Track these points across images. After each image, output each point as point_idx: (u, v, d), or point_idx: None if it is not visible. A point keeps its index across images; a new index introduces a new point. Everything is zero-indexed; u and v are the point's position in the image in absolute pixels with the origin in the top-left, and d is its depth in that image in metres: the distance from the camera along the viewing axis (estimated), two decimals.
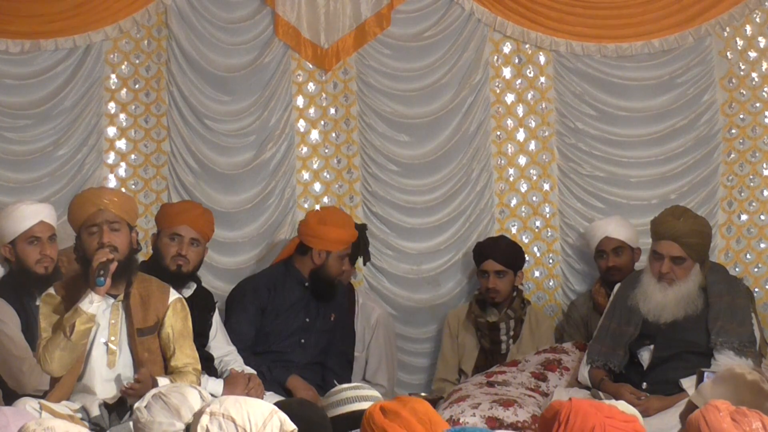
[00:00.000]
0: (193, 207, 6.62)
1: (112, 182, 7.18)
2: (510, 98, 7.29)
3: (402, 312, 7.29)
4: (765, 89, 7.17)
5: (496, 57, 7.28)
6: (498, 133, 7.29)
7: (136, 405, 4.06)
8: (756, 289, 7.04)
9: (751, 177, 7.17)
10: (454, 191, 7.28)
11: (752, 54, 7.17)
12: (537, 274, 7.28)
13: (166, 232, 6.42)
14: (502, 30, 7.24)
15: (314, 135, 7.32)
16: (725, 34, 7.15)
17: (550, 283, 7.28)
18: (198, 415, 3.39)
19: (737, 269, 7.08)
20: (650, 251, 6.18)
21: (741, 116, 7.17)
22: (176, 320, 5.52)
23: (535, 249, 7.29)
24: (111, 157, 7.23)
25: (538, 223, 7.30)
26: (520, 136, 7.30)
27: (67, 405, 5.28)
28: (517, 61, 7.28)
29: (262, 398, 5.52)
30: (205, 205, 6.84)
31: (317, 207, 7.14)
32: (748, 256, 7.17)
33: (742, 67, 7.17)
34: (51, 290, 5.44)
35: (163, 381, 5.27)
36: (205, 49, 7.22)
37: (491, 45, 7.28)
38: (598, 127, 7.24)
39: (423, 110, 7.27)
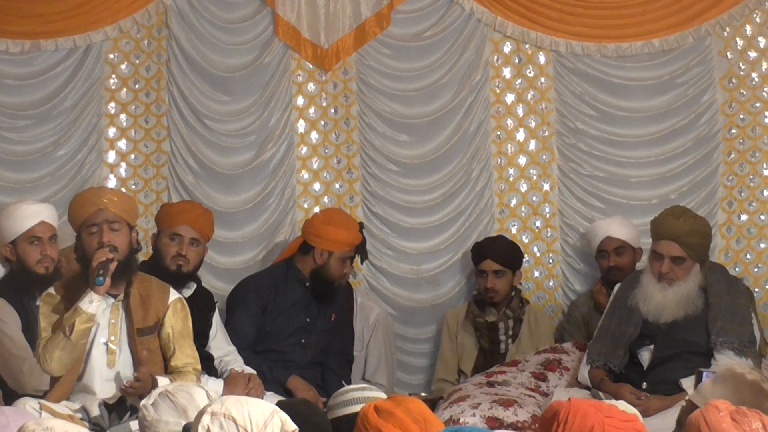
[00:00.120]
0: (193, 207, 6.62)
1: (112, 182, 7.18)
2: (510, 98, 7.29)
3: (402, 312, 7.29)
4: (765, 89, 7.17)
5: (496, 57, 7.28)
6: (498, 133, 7.29)
7: (142, 402, 4.06)
8: (756, 289, 7.04)
9: (751, 177, 7.18)
10: (454, 191, 7.28)
11: (752, 54, 7.17)
12: (537, 274, 7.28)
13: (166, 232, 6.42)
14: (502, 30, 7.24)
15: (314, 135, 7.32)
16: (725, 34, 7.15)
17: (550, 283, 7.28)
18: (199, 415, 3.39)
19: (737, 269, 7.08)
20: (650, 251, 6.18)
21: (741, 116, 7.17)
22: (176, 320, 5.52)
23: (535, 249, 7.29)
24: (111, 157, 7.23)
25: (538, 223, 7.30)
26: (520, 136, 7.30)
27: (67, 405, 5.28)
28: (517, 61, 7.28)
29: (263, 398, 5.52)
30: (205, 205, 6.84)
31: (316, 209, 7.15)
32: (748, 256, 7.17)
33: (742, 67, 7.17)
34: (51, 290, 5.44)
35: (162, 380, 5.27)
36: (205, 49, 7.22)
37: (491, 45, 7.28)
38: (598, 127, 7.24)
39: (423, 110, 7.27)
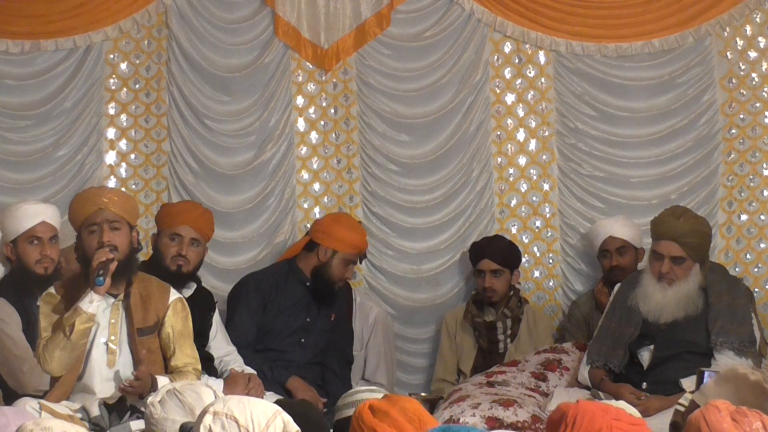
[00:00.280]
0: (193, 207, 6.62)
1: (112, 182, 7.18)
2: (510, 98, 7.29)
3: (401, 312, 7.29)
4: (765, 89, 7.17)
5: (496, 57, 7.28)
6: (498, 133, 7.29)
7: (150, 400, 4.07)
8: (756, 289, 7.04)
9: (751, 177, 7.18)
10: (454, 191, 7.28)
11: (752, 54, 7.17)
12: (537, 274, 7.28)
13: (166, 232, 6.42)
14: (502, 30, 7.24)
15: (314, 135, 7.32)
16: (725, 34, 7.15)
17: (550, 283, 7.28)
18: (201, 415, 3.38)
19: (737, 269, 7.08)
20: (650, 251, 6.18)
21: (741, 116, 7.17)
22: (176, 320, 5.52)
23: (535, 249, 7.29)
24: (111, 157, 7.23)
25: (538, 223, 7.30)
26: (520, 136, 7.30)
27: (67, 405, 5.28)
28: (517, 61, 7.28)
29: (263, 398, 5.52)
30: (205, 205, 6.84)
31: (316, 210, 7.15)
32: (748, 256, 7.17)
33: (742, 67, 7.17)
34: (51, 289, 5.44)
35: (162, 380, 5.27)
36: (205, 50, 7.22)
37: (491, 45, 7.28)
38: (598, 127, 7.24)
39: (423, 110, 7.28)
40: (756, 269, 7.15)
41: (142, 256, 6.26)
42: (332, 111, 7.31)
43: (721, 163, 7.19)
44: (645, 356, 6.10)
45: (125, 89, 7.24)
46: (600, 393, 6.01)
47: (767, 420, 3.43)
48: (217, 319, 6.48)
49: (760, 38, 7.16)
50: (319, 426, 4.10)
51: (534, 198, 7.30)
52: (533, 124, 7.28)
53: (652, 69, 7.20)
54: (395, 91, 7.28)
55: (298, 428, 3.39)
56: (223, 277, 7.14)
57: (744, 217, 7.18)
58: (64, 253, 6.10)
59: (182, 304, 5.59)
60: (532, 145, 7.29)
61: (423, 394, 6.58)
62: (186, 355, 5.53)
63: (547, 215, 7.30)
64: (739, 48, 7.16)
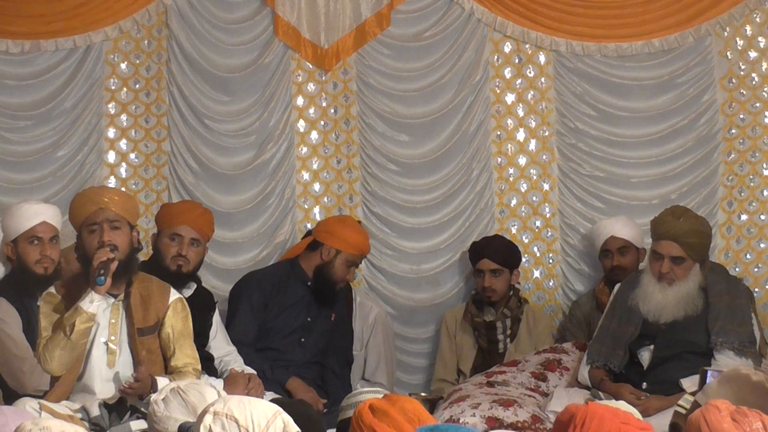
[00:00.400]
0: (193, 207, 6.62)
1: (112, 182, 7.18)
2: (510, 98, 7.29)
3: (401, 312, 7.29)
4: (765, 89, 7.17)
5: (496, 57, 7.28)
6: (498, 133, 7.29)
7: (153, 397, 4.07)
8: (756, 289, 7.03)
9: (751, 177, 7.18)
10: (454, 191, 7.28)
11: (752, 54, 7.17)
12: (537, 274, 7.28)
13: (167, 232, 6.42)
14: (502, 30, 7.24)
15: (314, 135, 7.32)
16: (725, 34, 7.15)
17: (550, 283, 7.28)
18: (201, 415, 3.38)
19: (737, 269, 7.08)
20: (650, 251, 6.19)
21: (741, 116, 7.17)
22: (176, 320, 5.52)
23: (535, 249, 7.29)
24: (111, 157, 7.24)
25: (538, 223, 7.30)
26: (520, 136, 7.30)
27: (67, 405, 5.28)
28: (517, 61, 7.28)
29: (263, 398, 5.52)
30: (205, 205, 6.84)
31: (316, 210, 7.15)
32: (748, 256, 7.17)
33: (742, 67, 7.17)
34: (51, 289, 5.44)
35: (162, 381, 5.27)
36: (206, 50, 7.22)
37: (491, 45, 7.28)
38: (598, 127, 7.24)
39: (423, 110, 7.28)
40: (756, 269, 7.15)
41: (142, 256, 6.25)
42: (332, 111, 7.31)
43: (721, 163, 7.19)
44: (645, 356, 6.10)
45: (125, 89, 7.24)
46: (600, 393, 6.01)
47: (767, 420, 3.43)
48: (217, 319, 6.48)
49: (760, 38, 7.16)
50: (316, 426, 4.10)
51: (534, 198, 7.30)
52: (533, 124, 7.28)
53: (653, 69, 7.20)
54: (395, 91, 7.28)
55: (298, 429, 3.38)
56: (223, 277, 7.14)
57: (744, 217, 7.18)
58: (64, 254, 6.09)
59: (182, 304, 5.59)
60: (532, 145, 7.29)
61: (423, 394, 6.58)
62: (186, 355, 5.53)
63: (547, 215, 7.30)
64: (739, 48, 7.16)
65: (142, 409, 5.20)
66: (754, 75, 7.17)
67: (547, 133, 7.29)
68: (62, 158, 7.16)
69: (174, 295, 5.58)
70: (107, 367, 5.39)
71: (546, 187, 7.29)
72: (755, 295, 6.89)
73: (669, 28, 7.14)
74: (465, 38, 7.25)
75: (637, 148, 7.23)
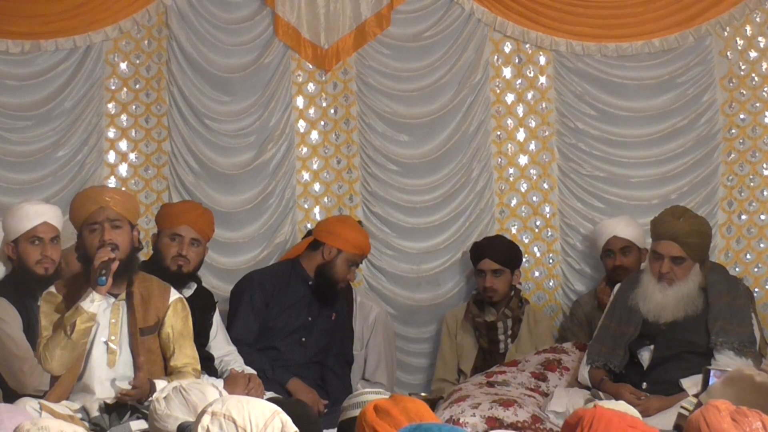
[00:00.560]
0: (193, 207, 6.62)
1: (112, 182, 7.18)
2: (510, 98, 7.29)
3: (402, 312, 7.29)
4: (765, 89, 7.17)
5: (496, 57, 7.28)
6: (498, 132, 7.29)
7: (155, 395, 4.07)
8: (756, 289, 7.04)
9: (751, 177, 7.18)
10: (454, 191, 7.28)
11: (752, 54, 7.17)
12: (537, 274, 7.28)
13: (167, 232, 6.43)
14: (502, 30, 7.24)
15: (314, 135, 7.32)
16: (725, 33, 7.15)
17: (550, 283, 7.28)
18: (200, 415, 3.39)
19: (737, 269, 7.08)
20: (650, 251, 6.19)
21: (741, 116, 7.17)
22: (176, 320, 5.52)
23: (535, 249, 7.29)
24: (111, 158, 7.24)
25: (538, 223, 7.30)
26: (520, 136, 7.30)
27: (68, 405, 5.27)
28: (517, 60, 7.28)
29: (263, 398, 5.52)
30: (205, 205, 6.84)
31: (316, 210, 7.15)
32: (748, 256, 7.17)
33: (743, 67, 7.17)
34: (52, 288, 5.44)
35: (161, 383, 5.26)
36: (206, 50, 7.23)
37: (491, 45, 7.28)
38: (599, 127, 7.24)
39: (423, 110, 7.28)
40: (756, 269, 7.15)
41: (142, 255, 6.25)
42: (332, 111, 7.31)
43: (721, 163, 7.20)
44: (645, 356, 6.10)
45: (125, 89, 7.24)
46: (600, 393, 6.01)
47: (767, 420, 3.43)
48: (217, 319, 6.49)
49: (760, 38, 7.16)
50: (315, 426, 4.10)
51: (534, 198, 7.30)
52: (533, 124, 7.29)
53: (653, 69, 7.21)
54: (395, 91, 7.28)
55: (296, 429, 3.38)
56: (223, 277, 7.14)
57: (744, 217, 7.18)
58: (64, 255, 6.10)
59: (182, 304, 5.58)
60: (532, 145, 7.30)
61: (423, 394, 6.58)
62: (185, 355, 5.52)
63: (547, 215, 7.30)
64: (740, 48, 7.16)
65: (143, 410, 5.21)
66: (754, 75, 7.17)
67: (547, 133, 7.29)
68: (62, 158, 7.16)
69: (174, 295, 5.57)
70: (107, 367, 5.38)
71: (546, 187, 7.29)
72: (755, 295, 6.90)
73: (669, 28, 7.14)
74: (465, 38, 7.25)
75: (637, 147, 7.23)
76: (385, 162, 7.29)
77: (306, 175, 7.33)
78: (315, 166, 7.33)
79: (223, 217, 7.09)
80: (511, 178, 7.30)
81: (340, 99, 7.30)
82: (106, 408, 5.28)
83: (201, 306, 6.30)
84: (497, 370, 6.52)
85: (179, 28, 7.20)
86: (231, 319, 6.64)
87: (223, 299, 6.81)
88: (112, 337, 5.39)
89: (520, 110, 7.29)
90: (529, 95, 7.28)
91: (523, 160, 7.30)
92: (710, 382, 4.75)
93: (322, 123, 7.31)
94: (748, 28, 7.15)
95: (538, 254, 7.29)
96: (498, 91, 7.29)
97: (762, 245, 7.17)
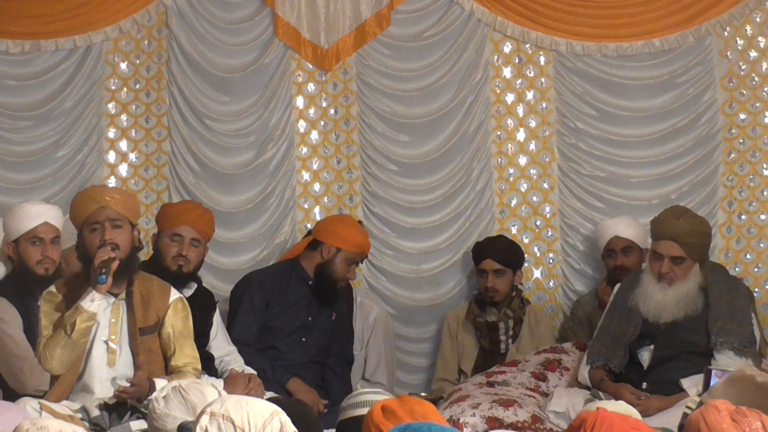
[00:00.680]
0: (193, 207, 6.62)
1: (112, 182, 7.18)
2: (510, 98, 7.29)
3: (402, 312, 7.29)
4: (765, 89, 7.17)
5: (496, 57, 7.28)
6: (498, 133, 7.29)
7: (154, 395, 4.07)
8: (756, 289, 7.04)
9: (751, 177, 7.18)
10: (454, 191, 7.28)
11: (753, 54, 7.17)
12: (537, 274, 7.28)
13: (167, 232, 6.43)
14: (502, 30, 7.24)
15: (314, 135, 7.32)
16: (725, 33, 7.15)
17: (551, 283, 7.28)
18: (199, 415, 3.39)
19: (737, 269, 7.08)
20: (650, 251, 6.19)
21: (741, 116, 7.17)
22: (177, 320, 5.52)
23: (536, 249, 7.29)
24: (112, 158, 7.24)
25: (538, 223, 7.30)
26: (521, 136, 7.30)
27: (68, 405, 5.28)
28: (517, 60, 7.28)
29: (263, 398, 5.52)
30: (205, 205, 6.84)
31: (316, 210, 7.15)
32: (748, 256, 7.17)
33: (743, 66, 7.17)
34: (52, 288, 5.44)
35: (160, 382, 5.26)
36: (206, 50, 7.23)
37: (491, 45, 7.28)
38: (599, 126, 7.24)
39: (423, 110, 7.28)
40: (756, 269, 7.15)
41: (142, 255, 6.25)
42: (332, 111, 7.31)
43: (721, 163, 7.20)
44: (645, 356, 6.10)
45: (125, 89, 7.24)
46: (600, 393, 6.01)
47: (767, 420, 3.43)
48: (217, 319, 6.49)
49: (760, 38, 7.16)
50: (315, 427, 4.10)
51: (534, 198, 7.30)
52: (533, 124, 7.29)
53: (653, 69, 7.21)
54: (395, 91, 7.28)
55: (296, 430, 3.38)
56: (223, 278, 7.14)
57: (744, 217, 7.18)
58: (65, 255, 6.10)
59: (183, 304, 5.58)
60: (533, 145, 7.30)
61: (423, 394, 6.57)
62: (186, 355, 5.53)
63: (548, 215, 7.30)
64: (740, 48, 7.16)
65: (142, 410, 5.21)
66: (754, 75, 7.17)
67: (547, 133, 7.29)
68: (62, 158, 7.16)
69: (174, 294, 5.57)
70: (107, 367, 5.39)
71: (546, 187, 7.29)
72: (755, 295, 6.89)
73: (669, 28, 7.14)
74: (465, 38, 7.25)
75: (637, 147, 7.23)
76: (385, 162, 7.29)
77: (306, 175, 7.33)
78: (315, 166, 7.33)
79: (223, 217, 7.09)
80: (511, 178, 7.30)
81: (340, 99, 7.31)
82: (106, 408, 5.28)
83: (201, 306, 6.30)
84: (497, 370, 6.52)
85: (179, 28, 7.21)
86: (231, 320, 6.65)
87: (223, 299, 6.81)
88: (112, 337, 5.39)
89: (520, 110, 7.29)
90: (529, 95, 7.28)
91: (523, 160, 7.30)
92: (712, 382, 4.74)
93: (322, 123, 7.31)
94: (748, 28, 7.15)
95: (538, 254, 7.30)
96: (498, 91, 7.29)
97: (762, 245, 7.17)
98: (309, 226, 7.20)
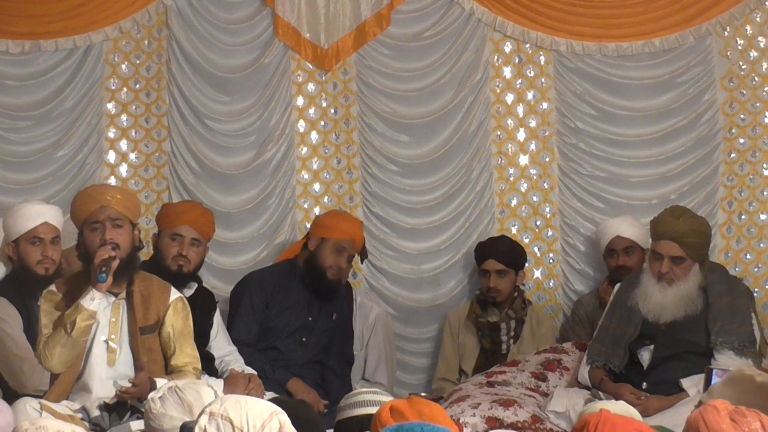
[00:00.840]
0: (194, 207, 6.63)
1: (112, 182, 7.18)
2: (510, 98, 7.29)
3: (402, 312, 7.29)
4: (765, 89, 7.17)
5: (496, 57, 7.28)
6: (498, 132, 7.29)
7: (150, 395, 4.07)
8: (756, 289, 7.03)
9: (751, 177, 7.18)
10: (454, 191, 7.28)
11: (753, 54, 7.17)
12: (537, 274, 7.28)
13: (167, 232, 6.43)
14: (503, 30, 7.24)
15: (314, 135, 7.32)
16: (726, 33, 7.15)
17: (551, 283, 7.28)
18: (199, 415, 3.39)
19: (737, 269, 7.08)
20: (650, 251, 6.19)
21: (741, 116, 7.17)
22: (177, 319, 5.52)
23: (536, 249, 7.29)
24: (112, 158, 7.24)
25: (538, 223, 7.30)
26: (521, 135, 7.30)
27: (68, 405, 5.28)
28: (517, 60, 7.28)
29: (263, 398, 5.52)
30: (205, 205, 6.85)
31: (316, 210, 7.16)
32: (748, 256, 7.17)
33: (743, 66, 7.17)
34: (52, 287, 5.44)
35: (161, 382, 5.26)
36: (206, 50, 7.23)
37: (491, 45, 7.28)
38: (599, 126, 7.24)
39: (423, 110, 7.28)
40: (756, 269, 7.15)
41: (143, 255, 6.25)
42: (332, 111, 7.31)
43: (721, 162, 7.19)
44: (645, 356, 6.10)
45: (125, 89, 7.24)
46: (600, 393, 6.01)
47: (766, 420, 3.43)
48: (217, 319, 6.49)
49: (760, 38, 7.16)
50: (317, 427, 4.09)
51: (534, 198, 7.30)
52: (533, 124, 7.29)
53: (653, 68, 7.21)
54: (395, 91, 7.28)
55: (295, 431, 3.38)
56: (223, 278, 7.14)
57: (744, 217, 7.18)
58: (65, 255, 6.10)
59: (183, 304, 5.58)
60: (533, 144, 7.30)
61: (423, 394, 6.56)
62: (186, 354, 5.53)
63: (548, 215, 7.30)
64: (740, 48, 7.16)
65: (142, 410, 5.20)
66: (754, 75, 7.17)
67: (547, 133, 7.29)
68: (62, 158, 7.16)
69: (174, 294, 5.57)
70: (107, 366, 5.39)
71: (546, 187, 7.29)
72: (755, 295, 6.89)
73: (669, 27, 7.14)
74: (465, 38, 7.25)
75: (637, 147, 7.23)
76: (385, 162, 7.29)
77: (306, 175, 7.33)
78: (315, 166, 7.33)
79: (223, 217, 7.09)
80: (511, 178, 7.30)
81: (340, 99, 7.31)
82: (106, 408, 5.28)
83: (201, 306, 6.30)
84: (497, 370, 6.52)
85: (179, 28, 7.21)
86: (231, 320, 6.65)
87: (224, 299, 6.81)
88: (113, 336, 5.39)
89: (520, 110, 7.29)
90: (529, 95, 7.28)
91: (523, 160, 7.30)
92: (712, 382, 4.75)
93: (322, 123, 7.31)
94: (748, 27, 7.15)
95: (538, 254, 7.30)
96: (498, 91, 7.29)
97: (762, 245, 7.17)
98: (309, 226, 7.20)
